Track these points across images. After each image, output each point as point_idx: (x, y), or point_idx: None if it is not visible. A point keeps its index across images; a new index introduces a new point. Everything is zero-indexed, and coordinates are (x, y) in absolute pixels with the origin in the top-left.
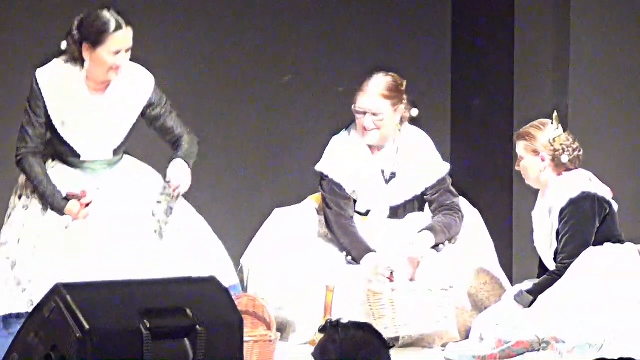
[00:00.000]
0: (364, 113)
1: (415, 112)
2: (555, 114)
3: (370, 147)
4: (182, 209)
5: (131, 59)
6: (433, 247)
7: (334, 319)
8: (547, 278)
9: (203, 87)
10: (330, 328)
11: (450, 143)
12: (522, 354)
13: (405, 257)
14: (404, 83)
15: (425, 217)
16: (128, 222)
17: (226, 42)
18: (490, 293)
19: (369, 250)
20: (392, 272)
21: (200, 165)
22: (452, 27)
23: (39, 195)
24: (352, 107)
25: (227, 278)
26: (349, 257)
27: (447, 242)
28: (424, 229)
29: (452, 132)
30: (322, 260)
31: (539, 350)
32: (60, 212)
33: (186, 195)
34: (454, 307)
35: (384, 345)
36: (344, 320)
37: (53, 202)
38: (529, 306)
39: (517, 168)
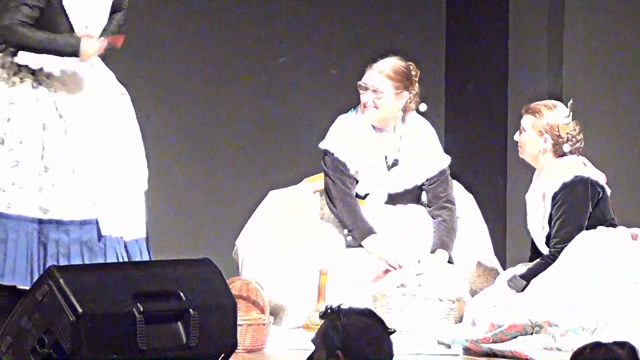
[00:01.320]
0: (366, 89)
1: (423, 107)
2: (570, 101)
3: (374, 129)
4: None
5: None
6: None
7: (329, 303)
8: (540, 262)
9: (197, 68)
10: (331, 314)
11: (444, 127)
12: (515, 337)
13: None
14: (417, 73)
15: (423, 211)
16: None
17: (221, 23)
18: (484, 285)
19: (371, 231)
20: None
21: (195, 147)
22: (446, 9)
23: (50, 51)
24: (358, 83)
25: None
26: (349, 238)
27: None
28: (437, 248)
29: (446, 116)
30: (317, 243)
31: (532, 333)
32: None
33: (182, 177)
34: (456, 317)
35: (386, 331)
36: (345, 306)
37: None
38: (522, 291)
39: (515, 138)
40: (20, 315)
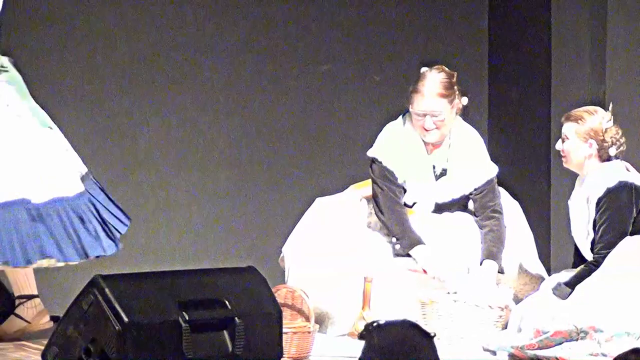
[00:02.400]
0: (424, 115)
1: (465, 100)
2: (611, 105)
3: (425, 142)
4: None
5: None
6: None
7: (371, 318)
8: (585, 269)
9: (241, 77)
10: (368, 333)
11: (488, 133)
12: (560, 343)
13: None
14: (455, 75)
15: (470, 219)
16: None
17: (265, 30)
18: (529, 292)
19: (419, 241)
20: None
21: (241, 154)
22: (488, 16)
23: None
24: (410, 108)
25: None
26: (397, 247)
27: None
28: (486, 258)
29: (490, 123)
30: (364, 250)
31: (577, 339)
32: None
33: (229, 184)
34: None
35: (425, 336)
36: (380, 322)
37: None
38: (567, 298)
39: (557, 147)
40: (67, 324)
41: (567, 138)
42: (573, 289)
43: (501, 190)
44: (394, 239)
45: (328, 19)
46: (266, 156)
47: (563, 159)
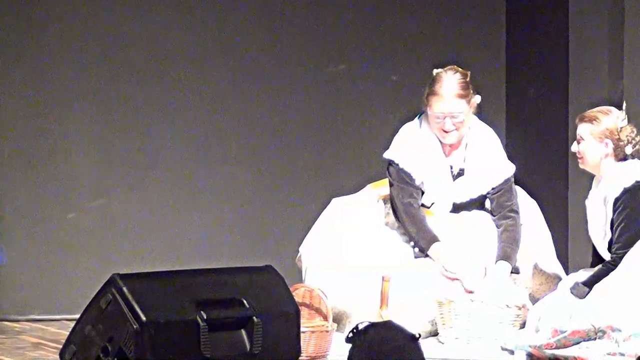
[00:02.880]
0: (444, 117)
1: (478, 99)
2: (625, 104)
3: (442, 143)
4: None
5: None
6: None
7: (389, 310)
8: (602, 269)
9: (257, 76)
10: (353, 336)
11: (506, 133)
12: (578, 342)
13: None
14: (469, 74)
15: (488, 218)
16: None
17: (282, 30)
18: (547, 291)
19: (435, 239)
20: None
21: (258, 154)
22: (506, 16)
23: None
24: (427, 110)
25: None
26: (416, 249)
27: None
28: (500, 259)
29: (507, 122)
30: (381, 250)
31: (595, 339)
32: None
33: (246, 184)
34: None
35: (409, 337)
36: (364, 324)
37: None
38: (585, 297)
39: (573, 149)
40: (84, 323)
41: (583, 139)
42: (591, 288)
43: (518, 189)
44: (411, 243)
45: (345, 18)
46: (283, 156)
47: (579, 161)
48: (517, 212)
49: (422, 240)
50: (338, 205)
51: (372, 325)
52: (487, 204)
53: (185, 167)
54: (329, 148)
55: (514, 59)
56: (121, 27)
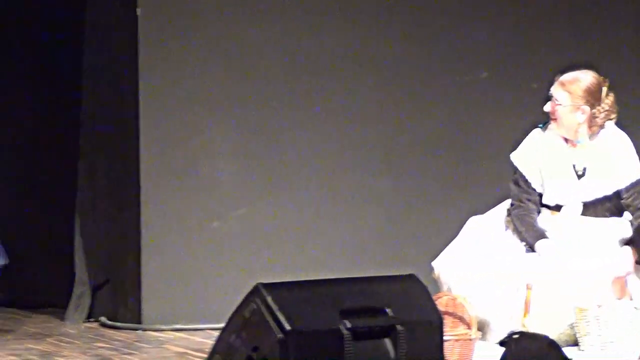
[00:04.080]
0: (550, 98)
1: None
2: None
3: (565, 140)
4: None
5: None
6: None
7: (532, 318)
8: None
9: (398, 85)
10: (508, 341)
11: None
12: None
13: (610, 276)
14: (603, 89)
15: (623, 223)
16: None
17: (421, 38)
18: None
19: (542, 235)
20: None
21: (397, 165)
22: None
23: None
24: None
25: None
26: (527, 246)
27: None
28: (624, 245)
29: None
30: (523, 258)
31: None
32: None
33: (387, 194)
34: None
35: (561, 358)
36: (523, 333)
37: None
38: None
39: None
40: (229, 332)
41: None
42: None
43: None
44: (523, 243)
45: (487, 25)
46: (424, 166)
47: None
48: None
49: (530, 238)
50: (476, 224)
51: (529, 335)
52: (616, 204)
53: (327, 176)
54: (467, 158)
55: None
56: (263, 36)
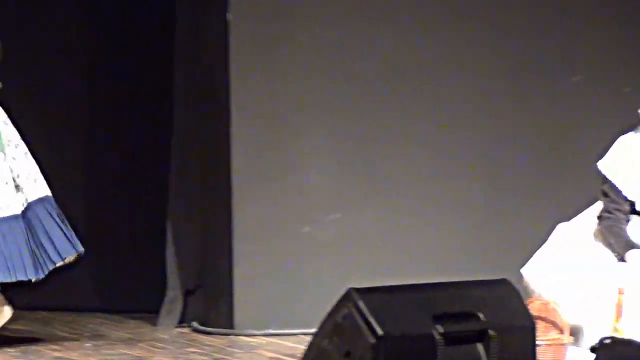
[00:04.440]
0: None
1: None
2: None
3: None
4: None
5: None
6: None
7: (623, 321)
8: None
9: (491, 90)
10: (599, 347)
11: None
12: None
13: None
14: None
15: None
16: None
17: (513, 40)
18: None
19: (633, 246)
20: None
21: (488, 169)
22: None
23: None
24: None
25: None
26: (618, 257)
27: None
28: None
29: None
30: (612, 265)
31: None
32: None
33: (478, 199)
34: None
35: None
36: (615, 338)
37: None
38: None
39: None
40: (322, 337)
41: None
42: None
43: None
44: (616, 254)
45: (581, 28)
46: (516, 170)
47: None
48: None
49: (620, 248)
50: (564, 230)
51: (621, 341)
52: None
53: (419, 183)
54: (557, 161)
55: None
56: (353, 41)
